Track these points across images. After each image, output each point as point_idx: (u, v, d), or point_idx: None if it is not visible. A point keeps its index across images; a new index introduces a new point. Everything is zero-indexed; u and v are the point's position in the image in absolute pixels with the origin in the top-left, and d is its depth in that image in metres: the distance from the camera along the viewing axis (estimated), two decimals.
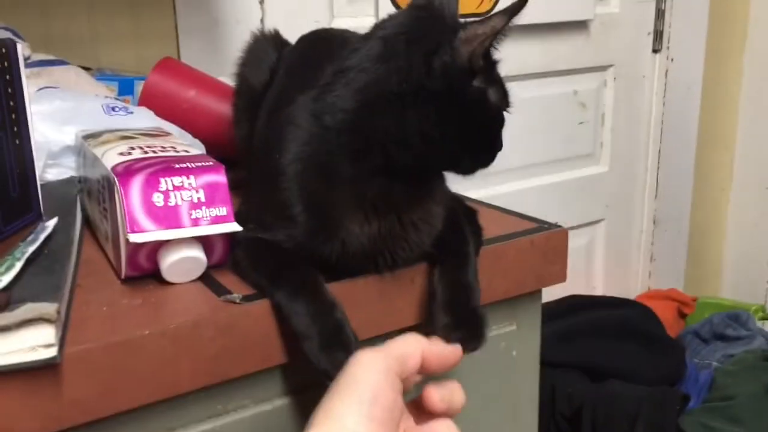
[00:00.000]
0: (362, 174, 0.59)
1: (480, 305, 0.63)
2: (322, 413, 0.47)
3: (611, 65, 1.82)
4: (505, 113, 0.62)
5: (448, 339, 0.57)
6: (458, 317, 0.62)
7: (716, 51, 1.97)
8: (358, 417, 0.46)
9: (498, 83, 0.61)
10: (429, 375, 0.54)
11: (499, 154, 0.63)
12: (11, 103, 0.59)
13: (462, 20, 0.59)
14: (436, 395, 0.52)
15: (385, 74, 0.58)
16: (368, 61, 0.59)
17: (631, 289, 2.03)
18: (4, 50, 0.58)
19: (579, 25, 1.73)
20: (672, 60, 1.89)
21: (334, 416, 0.46)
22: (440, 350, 0.54)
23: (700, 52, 1.93)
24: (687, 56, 1.91)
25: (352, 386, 0.48)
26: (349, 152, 0.59)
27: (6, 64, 0.59)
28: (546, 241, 0.73)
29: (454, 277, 0.64)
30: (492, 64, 0.61)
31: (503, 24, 0.56)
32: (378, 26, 0.61)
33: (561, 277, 0.75)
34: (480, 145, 0.62)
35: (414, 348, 0.52)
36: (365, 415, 0.46)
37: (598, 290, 1.97)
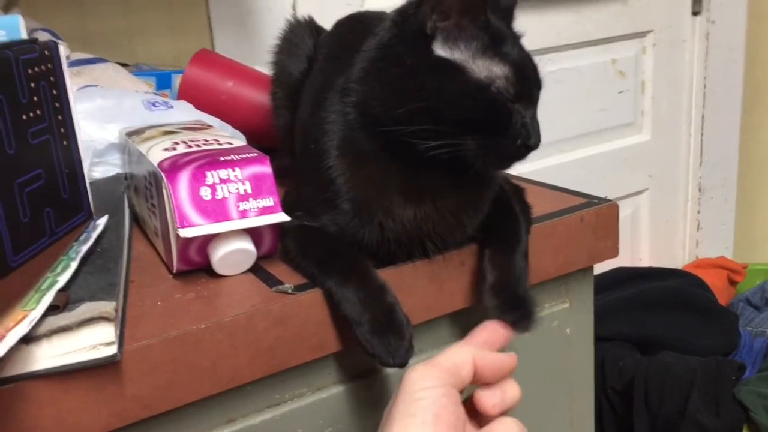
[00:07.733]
0: (392, 159, 0.59)
1: (528, 287, 0.63)
2: None
3: (650, 31, 1.78)
4: (502, 95, 0.56)
5: (501, 319, 0.59)
6: (508, 299, 0.61)
7: (758, 11, 1.91)
8: None
9: (507, 60, 0.56)
10: (484, 383, 0.53)
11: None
12: (57, 105, 0.60)
13: None
14: (488, 402, 0.51)
15: (374, 44, 0.60)
16: (372, 39, 0.60)
17: (678, 259, 2.00)
18: (47, 52, 0.59)
19: None
20: (713, 22, 1.83)
21: None
22: (492, 358, 0.53)
23: (741, 12, 1.88)
24: (728, 17, 1.85)
25: (412, 407, 0.47)
26: (369, 134, 0.59)
27: (50, 66, 0.59)
28: (596, 217, 0.72)
29: (503, 260, 0.63)
30: (498, 40, 0.57)
31: None
32: None
33: (613, 252, 0.74)
34: (458, 123, 0.55)
35: (464, 357, 0.51)
36: None
37: (644, 262, 1.94)
